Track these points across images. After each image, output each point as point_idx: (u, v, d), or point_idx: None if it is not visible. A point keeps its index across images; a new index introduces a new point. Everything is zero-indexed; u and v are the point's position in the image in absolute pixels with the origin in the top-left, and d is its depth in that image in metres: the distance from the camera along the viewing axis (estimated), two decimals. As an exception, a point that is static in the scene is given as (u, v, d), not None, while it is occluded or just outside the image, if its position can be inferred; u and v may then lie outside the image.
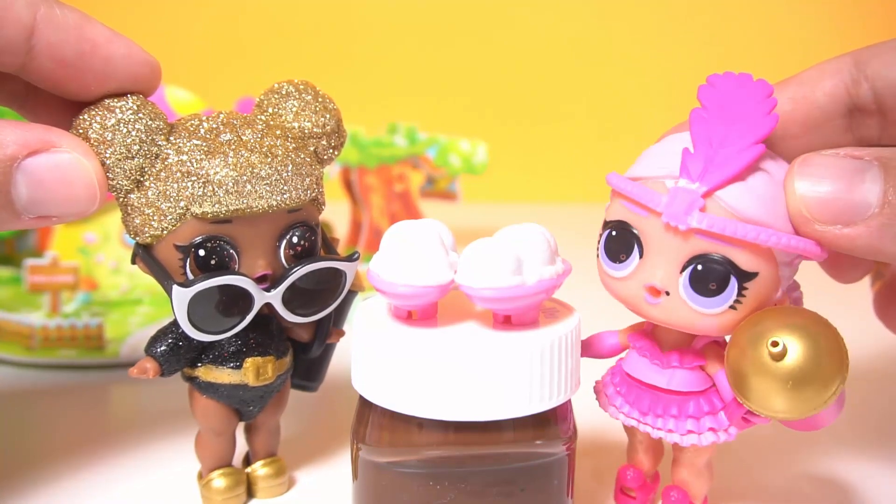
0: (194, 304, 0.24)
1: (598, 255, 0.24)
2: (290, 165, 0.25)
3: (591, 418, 0.27)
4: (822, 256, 0.22)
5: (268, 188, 0.25)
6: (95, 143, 0.24)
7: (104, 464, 0.32)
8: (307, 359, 0.30)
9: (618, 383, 0.26)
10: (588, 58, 0.95)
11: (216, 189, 0.24)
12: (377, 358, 0.23)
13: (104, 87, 0.25)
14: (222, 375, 0.27)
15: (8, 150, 0.22)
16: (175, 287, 0.24)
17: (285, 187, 0.25)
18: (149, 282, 0.47)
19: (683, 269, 0.22)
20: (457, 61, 0.95)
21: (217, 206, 0.24)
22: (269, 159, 0.25)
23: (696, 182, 0.22)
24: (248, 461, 0.30)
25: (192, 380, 0.27)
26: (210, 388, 0.27)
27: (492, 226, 0.25)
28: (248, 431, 0.29)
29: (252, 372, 0.27)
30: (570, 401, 0.24)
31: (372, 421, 0.24)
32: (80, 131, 0.24)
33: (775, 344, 0.21)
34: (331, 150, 0.27)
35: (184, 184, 0.24)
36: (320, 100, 0.27)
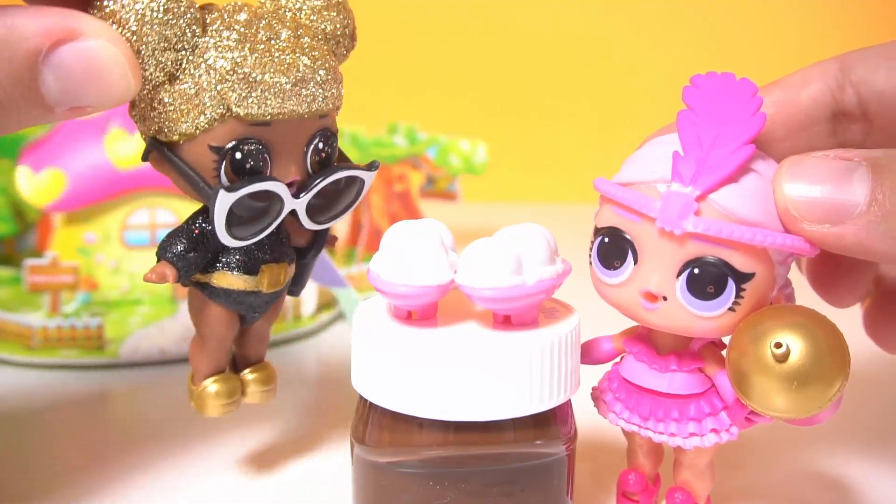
0: (234, 209, 0.24)
1: (590, 263, 0.24)
2: (328, 69, 0.25)
3: (588, 421, 0.27)
4: (814, 253, 0.22)
5: (311, 91, 0.24)
6: (126, 30, 0.22)
7: (104, 464, 0.32)
8: (298, 264, 0.29)
9: (616, 389, 0.26)
10: (588, 58, 0.95)
11: (263, 90, 0.23)
12: (377, 358, 0.23)
13: None
14: (237, 282, 0.26)
15: (31, 42, 0.20)
16: (221, 192, 0.23)
17: (325, 91, 0.25)
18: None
19: (680, 274, 0.22)
20: (457, 61, 0.94)
21: (262, 107, 0.23)
22: (311, 62, 0.24)
23: (689, 186, 0.22)
24: (235, 367, 0.29)
25: (202, 286, 0.27)
26: (222, 294, 0.26)
27: (492, 226, 0.25)
28: (239, 338, 0.29)
29: (268, 278, 0.26)
30: (570, 401, 0.24)
31: (372, 421, 0.24)
32: (107, 12, 0.22)
33: (779, 345, 0.21)
34: (345, 52, 0.27)
35: (227, 82, 0.23)
36: (340, 0, 0.26)
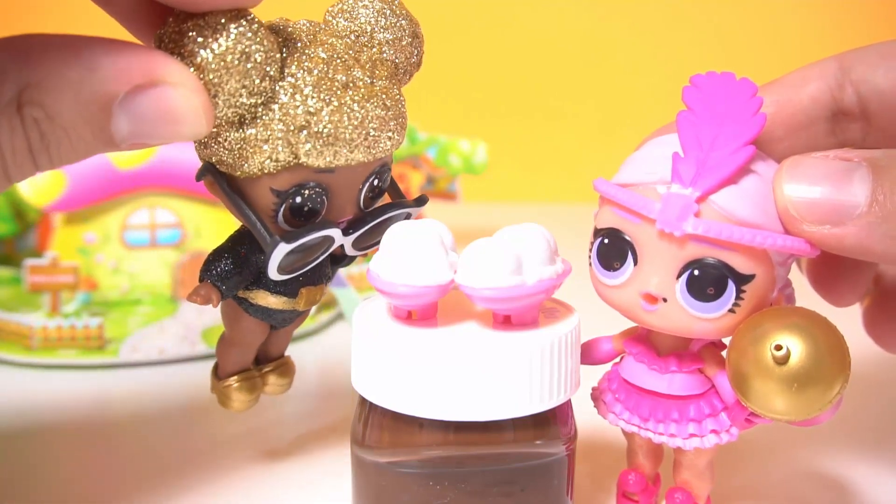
0: (289, 255, 0.24)
1: (590, 264, 0.24)
2: (397, 114, 0.24)
3: (588, 421, 0.27)
4: (814, 254, 0.22)
5: (378, 138, 0.24)
6: (204, 74, 0.21)
7: (104, 464, 0.32)
8: None
9: (615, 389, 0.26)
10: (589, 57, 0.95)
11: (334, 143, 0.23)
12: (377, 358, 0.23)
13: None
14: (276, 302, 0.27)
15: (109, 86, 0.20)
16: (281, 244, 0.23)
17: (392, 135, 0.24)
18: (149, 282, 0.47)
19: (680, 275, 0.22)
20: (456, 61, 0.94)
21: (332, 159, 0.23)
22: (383, 112, 0.24)
23: (689, 187, 0.22)
24: (257, 360, 0.30)
25: (239, 300, 0.27)
26: (259, 311, 0.27)
27: (492, 226, 0.25)
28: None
29: (305, 299, 0.27)
30: (570, 401, 0.24)
31: (372, 421, 0.24)
32: (184, 53, 0.21)
33: (779, 348, 0.21)
34: (408, 78, 0.26)
35: (300, 134, 0.23)
36: (414, 29, 0.26)
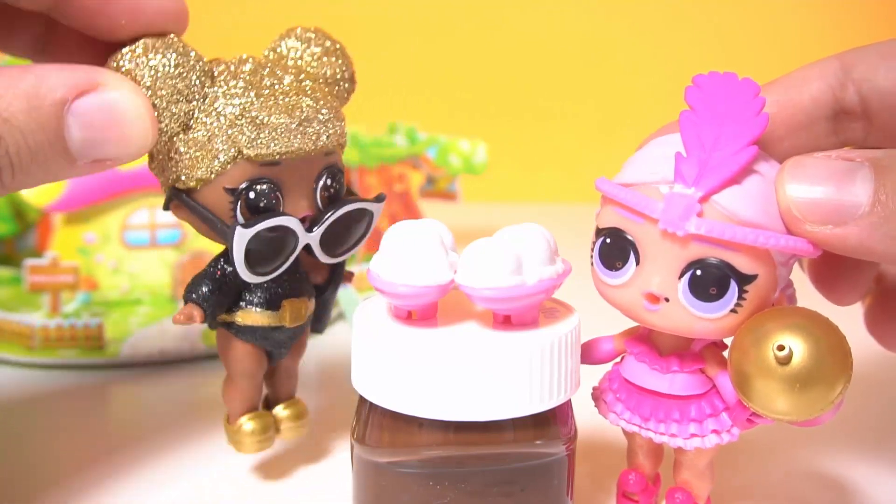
0: (251, 245, 0.25)
1: (591, 264, 0.24)
2: (330, 108, 0.26)
3: (588, 421, 0.27)
4: (816, 254, 0.22)
5: (315, 130, 0.26)
6: (142, 85, 0.24)
7: (104, 464, 0.32)
8: (317, 301, 0.30)
9: (616, 389, 0.26)
10: (589, 57, 0.95)
11: (270, 132, 0.25)
12: (377, 358, 0.23)
13: (134, 23, 0.25)
14: (261, 318, 0.27)
15: (57, 93, 0.22)
16: (238, 228, 0.24)
17: (329, 129, 0.26)
18: (149, 282, 0.47)
19: (682, 275, 0.22)
20: (456, 61, 0.94)
21: (270, 147, 0.25)
22: (314, 103, 0.26)
23: (692, 187, 0.22)
24: (268, 405, 0.30)
25: (228, 325, 0.28)
26: (247, 332, 0.28)
27: (492, 226, 0.25)
28: (269, 376, 0.30)
29: (289, 313, 0.27)
30: (570, 401, 0.24)
31: (372, 421, 0.24)
32: (123, 71, 0.24)
33: (781, 348, 0.21)
34: (346, 95, 0.29)
35: (236, 126, 0.25)
36: (338, 46, 0.28)
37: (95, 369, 0.42)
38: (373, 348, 0.23)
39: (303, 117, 0.25)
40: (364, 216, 0.28)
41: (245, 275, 0.25)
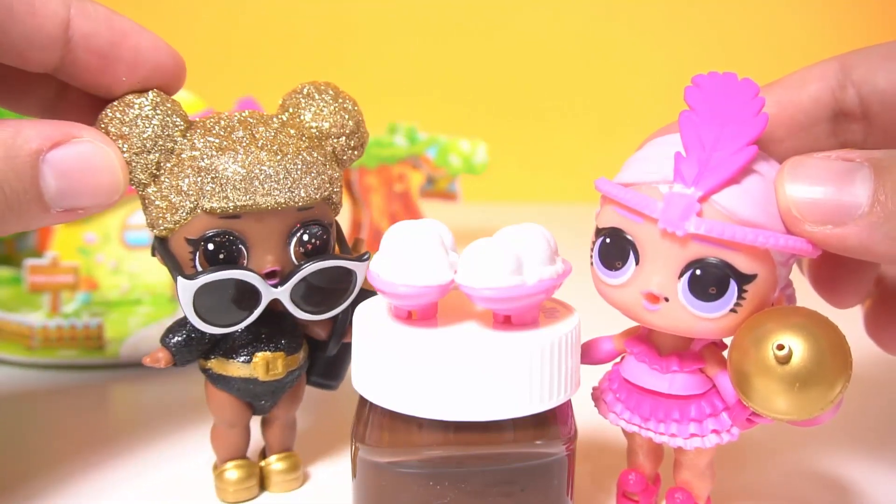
0: (200, 297, 0.25)
1: (591, 263, 0.24)
2: (300, 164, 0.26)
3: (588, 421, 0.27)
4: (816, 254, 0.22)
5: (275, 185, 0.25)
6: (115, 137, 0.25)
7: (105, 464, 0.32)
8: (326, 357, 0.30)
9: (616, 389, 0.26)
10: (588, 57, 0.95)
11: (224, 185, 0.25)
12: (377, 358, 0.23)
13: (134, 79, 0.26)
14: (233, 368, 0.27)
15: (32, 144, 0.23)
16: (179, 279, 0.25)
17: (293, 185, 0.26)
18: (149, 282, 0.47)
19: (682, 275, 0.22)
20: (456, 61, 0.94)
21: (225, 201, 0.25)
22: (279, 157, 0.25)
23: (692, 187, 0.22)
24: (263, 455, 0.30)
25: (205, 371, 0.28)
26: (222, 381, 0.28)
27: (492, 226, 0.25)
28: (264, 425, 0.30)
29: (262, 366, 0.27)
30: (570, 401, 0.24)
31: (372, 421, 0.24)
32: (102, 126, 0.25)
33: (781, 347, 0.21)
34: (350, 151, 0.28)
35: (194, 179, 0.25)
36: (340, 100, 0.28)
37: (95, 369, 0.42)
38: (373, 348, 0.23)
39: (261, 170, 0.25)
40: (344, 275, 0.27)
41: (197, 323, 0.25)
